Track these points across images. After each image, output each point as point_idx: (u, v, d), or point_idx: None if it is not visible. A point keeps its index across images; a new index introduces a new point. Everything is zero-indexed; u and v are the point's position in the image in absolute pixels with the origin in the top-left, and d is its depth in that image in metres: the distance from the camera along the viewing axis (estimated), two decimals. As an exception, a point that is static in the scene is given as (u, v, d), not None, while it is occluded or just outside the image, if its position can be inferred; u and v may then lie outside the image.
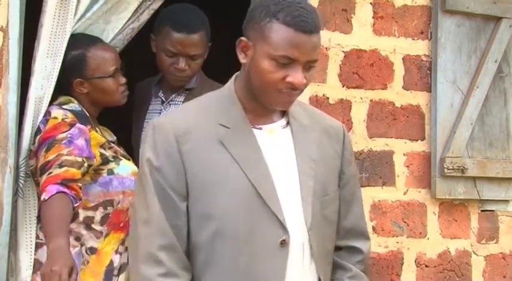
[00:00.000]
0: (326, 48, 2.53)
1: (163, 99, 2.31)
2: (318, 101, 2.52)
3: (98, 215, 2.17)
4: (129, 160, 2.26)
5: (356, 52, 2.57)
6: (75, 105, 2.18)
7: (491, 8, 2.72)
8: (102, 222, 2.18)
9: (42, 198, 2.00)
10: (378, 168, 2.56)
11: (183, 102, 2.29)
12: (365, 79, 2.58)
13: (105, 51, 2.23)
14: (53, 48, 2.17)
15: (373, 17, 2.58)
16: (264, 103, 1.61)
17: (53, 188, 2.00)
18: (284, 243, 1.57)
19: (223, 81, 1.74)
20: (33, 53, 2.17)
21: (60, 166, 2.04)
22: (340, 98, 2.55)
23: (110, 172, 2.18)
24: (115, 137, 2.33)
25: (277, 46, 1.53)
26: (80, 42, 2.22)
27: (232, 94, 1.64)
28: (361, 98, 2.58)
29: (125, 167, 2.21)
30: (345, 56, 2.55)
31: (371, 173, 2.56)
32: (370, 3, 2.58)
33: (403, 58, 2.63)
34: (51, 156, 2.05)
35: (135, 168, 2.23)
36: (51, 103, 2.18)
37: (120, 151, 2.26)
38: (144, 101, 2.38)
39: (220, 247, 1.57)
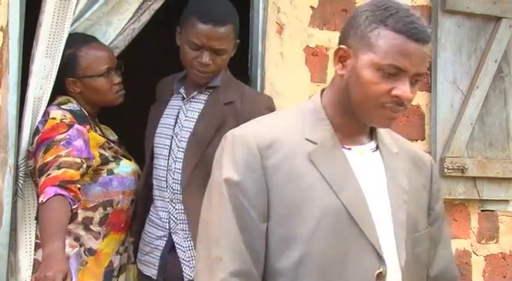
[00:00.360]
0: (326, 48, 2.53)
1: (184, 96, 2.21)
2: None
3: (97, 215, 2.17)
4: (130, 160, 2.26)
5: None
6: (73, 105, 2.17)
7: (491, 8, 2.73)
8: (101, 222, 2.17)
9: (40, 200, 1.99)
10: None
11: (206, 101, 2.17)
12: None
13: (98, 50, 2.21)
14: (51, 48, 2.18)
15: None
16: (362, 119, 1.45)
17: (51, 191, 1.99)
18: (381, 276, 1.40)
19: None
20: (32, 53, 2.18)
21: (59, 167, 2.03)
22: None
23: (110, 172, 2.17)
24: (116, 136, 2.33)
25: (385, 54, 1.38)
26: (73, 41, 2.21)
27: (320, 109, 1.48)
28: None
29: (125, 167, 2.20)
30: None
31: None
32: None
33: None
34: (49, 157, 2.05)
35: (135, 167, 2.24)
36: (50, 103, 2.19)
37: (121, 150, 2.26)
38: (165, 96, 2.26)
39: (305, 275, 1.38)
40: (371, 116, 1.43)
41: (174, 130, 2.17)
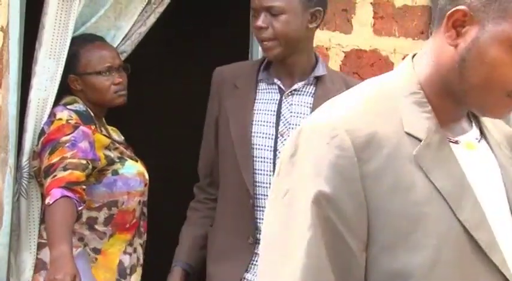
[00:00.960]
0: (326, 48, 2.53)
1: (282, 88, 1.96)
2: None
3: (102, 215, 2.17)
4: (136, 161, 2.26)
5: (356, 52, 2.56)
6: (79, 106, 2.19)
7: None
8: (106, 223, 2.18)
9: (46, 202, 2.02)
10: None
11: (314, 93, 1.94)
12: (365, 79, 2.49)
13: (100, 48, 2.22)
14: (55, 49, 2.19)
15: (373, 17, 2.57)
16: (472, 106, 1.12)
17: (57, 193, 2.01)
18: None
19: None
20: (34, 54, 2.18)
21: (65, 168, 2.05)
22: None
23: (115, 173, 2.18)
24: (122, 138, 2.34)
25: None
26: (79, 40, 2.23)
27: (416, 88, 1.11)
28: None
29: (130, 168, 2.21)
30: (345, 56, 2.55)
31: None
32: (371, 3, 2.57)
33: (403, 58, 2.53)
34: (55, 159, 2.06)
35: (141, 169, 2.24)
36: (56, 102, 2.20)
37: (127, 152, 2.26)
38: (240, 89, 1.99)
39: None
40: (489, 104, 1.11)
41: (277, 129, 1.94)
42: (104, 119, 2.30)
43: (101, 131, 2.21)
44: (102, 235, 2.18)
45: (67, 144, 2.08)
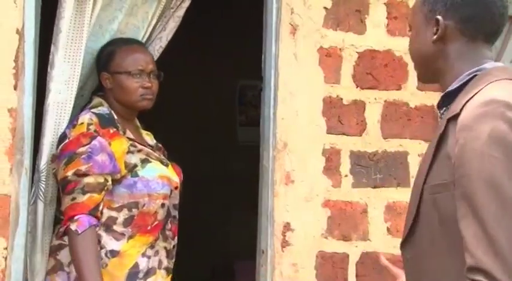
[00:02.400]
0: (340, 49, 2.53)
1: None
2: (331, 102, 2.52)
3: (122, 216, 2.19)
4: (166, 165, 2.28)
5: (370, 53, 2.56)
6: (103, 109, 2.24)
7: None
8: (126, 223, 2.20)
9: (73, 228, 2.08)
10: (392, 169, 2.56)
11: None
12: (379, 80, 2.57)
13: (137, 51, 2.28)
14: (70, 54, 2.23)
15: (386, 18, 2.57)
16: None
17: (85, 221, 2.09)
18: None
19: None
20: (50, 58, 2.23)
21: (83, 191, 2.11)
22: (354, 99, 2.55)
23: (134, 175, 2.20)
24: (154, 141, 2.37)
25: None
26: (118, 40, 2.31)
27: None
28: (375, 98, 2.57)
29: (151, 170, 2.22)
30: (358, 57, 2.55)
31: (386, 174, 2.55)
32: (384, 3, 2.56)
33: None
34: (70, 171, 2.12)
35: (165, 172, 2.25)
36: (85, 105, 2.28)
37: (155, 154, 2.27)
38: None
39: None
40: None
41: None
42: (137, 122, 2.34)
43: (124, 133, 2.22)
44: (119, 236, 2.19)
45: (83, 156, 2.12)
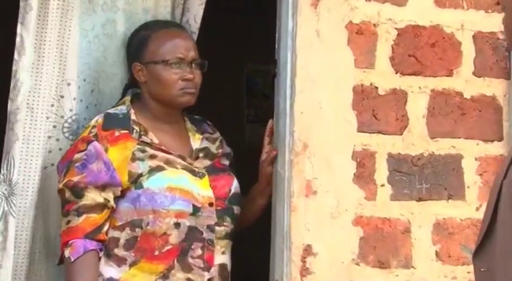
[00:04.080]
0: (374, 24, 2.52)
1: None
2: (363, 92, 2.51)
3: (123, 237, 2.26)
4: (201, 176, 2.33)
5: (413, 29, 2.56)
6: (121, 108, 2.32)
7: None
8: (128, 246, 2.25)
9: (67, 255, 2.18)
10: (442, 177, 2.55)
11: None
12: (424, 63, 2.56)
13: (176, 36, 2.34)
14: (50, 37, 2.33)
15: None
16: None
17: (79, 246, 2.18)
18: None
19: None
20: (17, 42, 2.29)
21: (78, 213, 2.20)
22: (392, 87, 2.54)
23: (138, 186, 2.26)
24: (203, 146, 2.41)
25: None
26: (152, 23, 2.39)
27: None
28: (419, 87, 2.56)
29: (159, 180, 2.27)
30: (398, 35, 2.54)
31: (433, 183, 2.54)
32: None
33: (473, 36, 2.61)
34: (62, 182, 2.23)
35: (179, 182, 2.28)
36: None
37: (184, 162, 2.32)
38: None
39: None
40: None
41: None
42: (186, 123, 2.42)
43: (142, 135, 2.28)
44: (120, 261, 2.24)
45: (77, 164, 2.22)
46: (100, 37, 2.45)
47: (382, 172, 2.51)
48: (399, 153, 2.52)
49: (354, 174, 2.49)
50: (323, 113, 2.47)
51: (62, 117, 2.39)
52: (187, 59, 2.33)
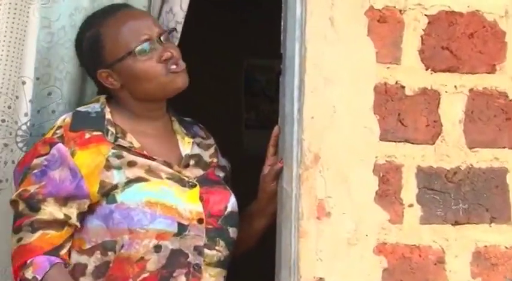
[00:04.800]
0: (400, 10, 2.48)
1: None
2: (387, 92, 2.46)
3: (92, 262, 2.25)
4: (191, 186, 2.32)
5: (447, 16, 2.52)
6: (93, 106, 2.32)
7: None
8: (98, 274, 2.25)
9: (29, 276, 2.17)
10: (483, 195, 2.52)
11: None
12: (461, 58, 2.53)
13: (127, 19, 2.31)
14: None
15: None
16: None
17: (42, 261, 2.17)
18: None
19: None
20: None
21: (32, 229, 2.19)
22: (422, 86, 2.50)
23: (111, 200, 2.24)
24: (194, 152, 2.40)
25: None
26: (94, 18, 2.35)
27: None
28: (455, 86, 2.52)
29: (136, 193, 2.25)
30: (429, 23, 2.50)
31: (472, 203, 2.52)
32: None
33: None
34: (16, 192, 2.22)
35: (162, 195, 2.26)
36: None
37: (171, 170, 2.31)
38: None
39: None
40: None
41: None
42: (174, 123, 2.42)
43: (119, 138, 2.27)
44: None
45: (35, 170, 2.21)
46: (66, 29, 2.41)
47: (410, 190, 2.48)
48: (431, 166, 2.50)
49: (376, 192, 2.45)
50: (338, 118, 2.44)
51: (16, 123, 2.36)
52: (154, 37, 2.30)
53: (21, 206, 2.21)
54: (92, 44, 2.32)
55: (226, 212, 2.38)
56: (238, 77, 4.52)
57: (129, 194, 2.24)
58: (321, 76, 2.41)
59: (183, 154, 2.39)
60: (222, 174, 2.48)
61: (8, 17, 2.32)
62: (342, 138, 2.42)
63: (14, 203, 2.23)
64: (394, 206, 2.44)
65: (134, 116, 2.35)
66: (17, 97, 2.34)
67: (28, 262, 2.17)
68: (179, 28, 2.50)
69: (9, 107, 2.33)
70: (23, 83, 2.35)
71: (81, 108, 2.32)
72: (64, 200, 2.21)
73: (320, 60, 2.41)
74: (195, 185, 2.33)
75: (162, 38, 2.32)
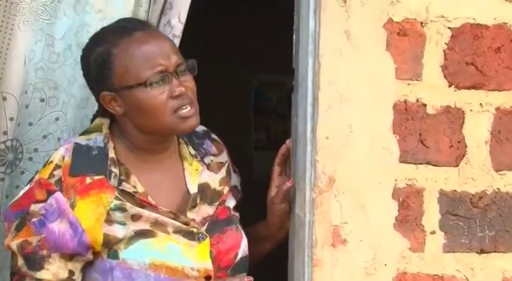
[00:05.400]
0: (421, 23, 2.49)
1: None
2: (408, 111, 2.48)
3: None
4: (200, 238, 2.29)
5: (472, 29, 2.53)
6: (96, 139, 2.27)
7: None
8: None
9: None
10: (511, 221, 2.54)
11: None
12: (487, 73, 2.53)
13: (144, 43, 2.26)
14: None
15: None
16: None
17: None
18: None
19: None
20: None
21: None
22: (445, 104, 2.51)
23: (113, 255, 2.22)
24: (202, 181, 2.38)
25: None
26: (108, 32, 2.31)
27: None
28: (480, 104, 2.53)
29: (141, 251, 2.23)
30: (452, 36, 2.51)
31: (500, 230, 2.53)
32: None
33: None
34: (15, 241, 2.18)
35: (170, 256, 2.24)
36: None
37: (180, 219, 2.29)
38: None
39: None
40: None
41: None
42: (181, 147, 2.39)
43: (123, 181, 2.24)
44: None
45: (34, 220, 2.18)
46: (73, 49, 2.41)
47: (432, 215, 2.49)
48: (454, 190, 2.51)
49: (396, 218, 2.46)
50: (354, 138, 2.44)
51: None
52: (170, 68, 2.25)
53: (20, 261, 2.19)
54: (101, 63, 2.28)
55: (236, 261, 2.37)
56: (246, 94, 4.53)
57: (133, 253, 2.23)
58: (336, 93, 2.41)
59: (191, 192, 2.36)
60: (232, 202, 2.46)
61: None
62: (358, 160, 2.42)
63: (11, 252, 2.21)
64: (415, 233, 2.44)
65: (136, 148, 2.32)
66: None
67: None
68: (177, 42, 2.47)
69: None
70: (4, 98, 2.34)
71: (82, 141, 2.27)
72: (70, 256, 2.20)
73: (335, 76, 2.42)
74: (205, 238, 2.32)
75: (178, 70, 2.28)
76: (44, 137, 2.38)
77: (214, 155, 2.47)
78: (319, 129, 2.40)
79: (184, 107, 2.26)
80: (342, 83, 2.42)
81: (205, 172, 2.40)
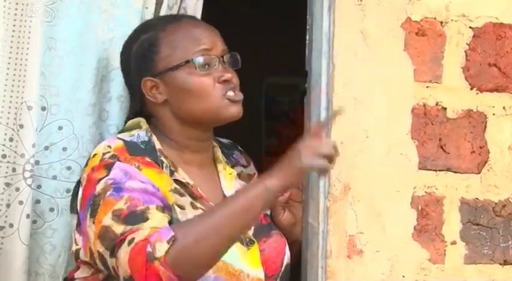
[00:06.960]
0: (441, 22, 2.50)
1: None
2: (427, 115, 2.49)
3: None
4: (249, 243, 2.30)
5: (494, 28, 2.54)
6: (140, 133, 2.28)
7: None
8: None
9: (162, 248, 2.04)
10: None
11: None
12: (511, 75, 2.55)
13: (192, 27, 2.31)
14: None
15: None
16: None
17: (168, 229, 2.07)
18: None
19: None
20: None
21: (143, 218, 2.09)
22: (466, 108, 2.52)
23: None
24: (236, 187, 2.39)
25: None
26: (157, 21, 2.37)
27: None
28: (504, 108, 2.55)
29: None
30: (474, 36, 2.53)
31: None
32: None
33: None
34: (104, 217, 2.12)
35: (224, 258, 2.19)
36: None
37: None
38: None
39: None
40: None
41: None
42: (216, 150, 2.41)
43: (172, 173, 2.24)
44: None
45: (108, 192, 2.14)
46: (76, 51, 2.41)
47: (452, 225, 2.50)
48: (476, 198, 2.52)
49: (414, 227, 2.47)
50: (371, 143, 2.45)
51: (23, 156, 2.33)
52: (217, 52, 2.28)
53: (120, 227, 2.10)
54: (146, 47, 2.30)
55: (283, 268, 2.39)
56: (257, 98, 4.55)
57: None
58: (351, 96, 2.42)
59: (226, 194, 2.38)
60: (268, 210, 2.44)
61: (6, 29, 2.32)
62: (375, 166, 2.44)
63: (104, 232, 2.13)
64: (435, 244, 2.45)
65: (177, 146, 2.32)
66: (20, 126, 2.32)
67: (152, 238, 2.06)
68: None
69: (11, 140, 2.31)
70: (29, 108, 2.34)
71: (125, 137, 2.26)
72: (162, 208, 2.15)
73: (350, 78, 2.43)
74: (253, 243, 2.34)
75: (225, 58, 2.32)
76: (46, 148, 2.39)
77: (243, 166, 2.50)
78: (333, 135, 2.38)
79: (232, 91, 2.30)
80: (357, 86, 2.44)
81: (237, 181, 2.43)
